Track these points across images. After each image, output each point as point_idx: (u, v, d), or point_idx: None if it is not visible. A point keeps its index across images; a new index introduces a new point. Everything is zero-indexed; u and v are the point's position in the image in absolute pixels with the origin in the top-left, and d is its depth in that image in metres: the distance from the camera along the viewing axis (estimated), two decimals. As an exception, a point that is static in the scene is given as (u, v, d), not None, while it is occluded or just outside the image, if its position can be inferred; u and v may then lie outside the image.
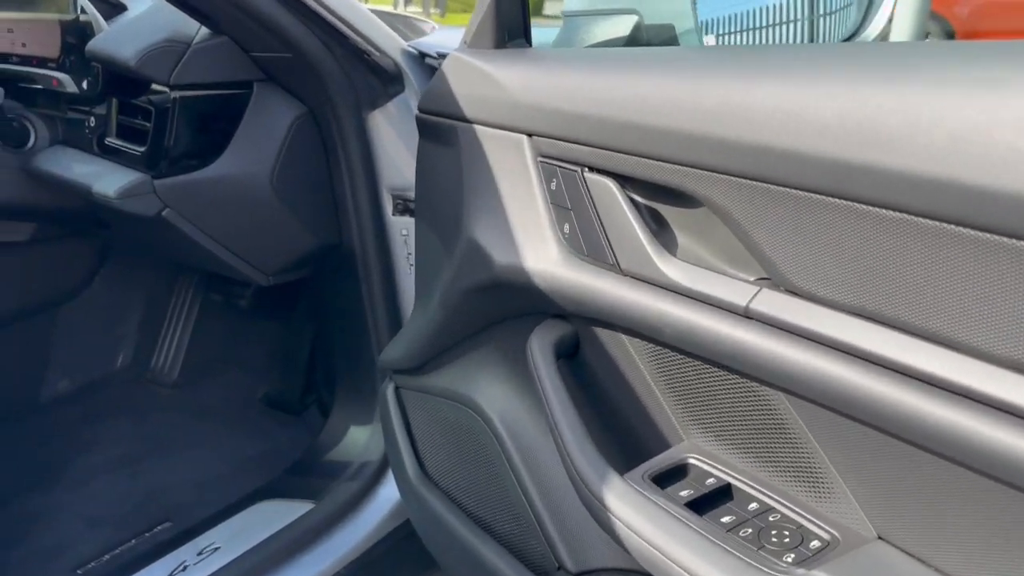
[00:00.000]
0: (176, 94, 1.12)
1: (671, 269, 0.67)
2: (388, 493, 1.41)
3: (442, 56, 1.16)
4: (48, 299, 1.77)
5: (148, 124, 1.18)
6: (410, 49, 1.32)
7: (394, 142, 1.30)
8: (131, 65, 1.07)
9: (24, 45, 1.32)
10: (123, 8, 1.34)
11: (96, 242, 1.80)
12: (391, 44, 1.24)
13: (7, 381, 1.74)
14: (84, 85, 1.21)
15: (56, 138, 1.31)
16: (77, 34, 1.22)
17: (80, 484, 1.54)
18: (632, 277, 0.70)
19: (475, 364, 0.99)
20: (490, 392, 0.97)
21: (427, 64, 1.23)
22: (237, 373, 1.93)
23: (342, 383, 1.50)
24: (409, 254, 1.37)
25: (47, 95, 1.32)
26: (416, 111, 1.27)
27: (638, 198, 0.71)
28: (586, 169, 0.75)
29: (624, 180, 0.71)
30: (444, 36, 1.38)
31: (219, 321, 1.98)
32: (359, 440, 1.45)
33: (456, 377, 1.01)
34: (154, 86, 1.18)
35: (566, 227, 0.77)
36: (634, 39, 0.92)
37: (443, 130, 0.95)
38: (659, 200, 0.71)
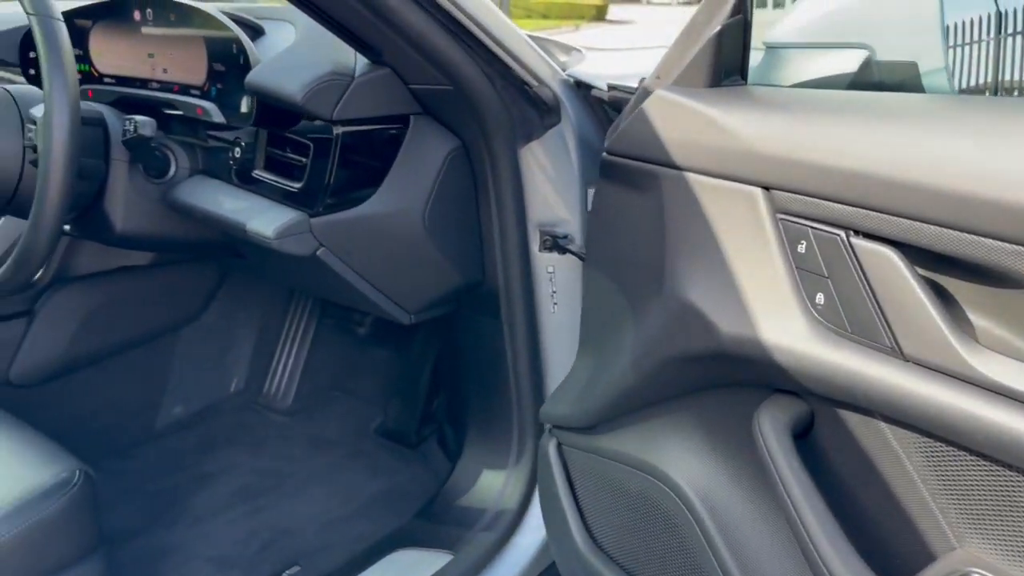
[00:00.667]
0: (339, 130, 1.06)
1: (983, 362, 0.56)
2: (525, 543, 1.33)
3: (616, 89, 1.07)
4: (167, 324, 1.74)
5: (302, 159, 1.12)
6: (568, 78, 1.24)
7: (546, 176, 1.22)
8: (297, 100, 1.01)
9: (166, 71, 1.28)
10: (261, 31, 1.29)
11: (215, 266, 1.76)
12: (550, 74, 1.16)
13: (125, 408, 1.72)
14: (233, 115, 1.16)
15: (195, 167, 1.26)
16: (225, 61, 1.17)
17: (202, 520, 1.50)
18: (920, 365, 0.60)
19: (665, 431, 0.89)
20: (684, 464, 0.87)
21: (593, 96, 1.15)
22: (350, 402, 1.88)
23: (474, 423, 1.42)
24: (554, 292, 1.29)
25: (187, 123, 1.28)
26: (571, 141, 1.21)
27: (927, 272, 0.61)
28: (852, 233, 0.65)
29: (909, 249, 0.61)
30: (600, 63, 1.29)
31: (332, 348, 1.93)
32: (494, 486, 1.38)
33: (638, 442, 0.93)
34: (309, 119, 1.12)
35: (819, 297, 0.68)
36: (863, 78, 0.82)
37: (639, 175, 0.86)
38: (953, 275, 0.61)
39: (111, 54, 1.35)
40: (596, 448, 0.98)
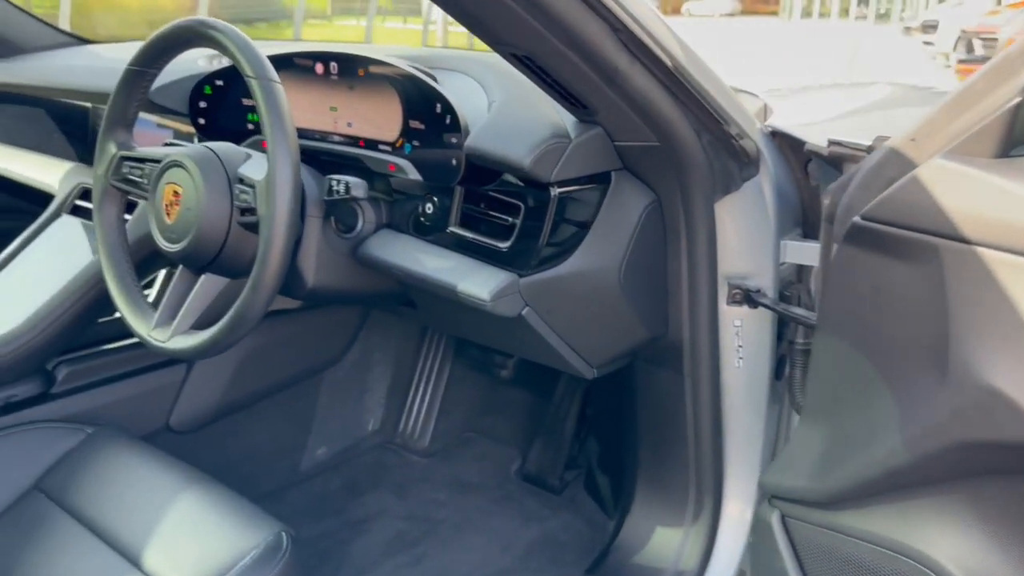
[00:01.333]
0: (556, 191, 1.04)
1: None
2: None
3: (840, 145, 1.04)
4: (314, 366, 1.75)
5: (507, 218, 1.11)
6: (766, 128, 1.21)
7: (739, 228, 1.20)
8: (525, 166, 1.00)
9: (350, 125, 1.28)
10: (432, 79, 1.28)
11: (358, 309, 1.77)
12: (751, 125, 1.14)
13: (273, 451, 1.72)
14: (432, 173, 1.15)
15: (380, 221, 1.26)
16: (424, 119, 1.16)
17: (365, 571, 1.49)
18: None
19: (932, 512, 0.85)
20: (955, 548, 0.83)
21: (785, 143, 1.13)
22: (486, 443, 1.87)
23: (644, 477, 1.39)
24: (740, 346, 1.26)
25: (372, 177, 1.27)
26: (768, 193, 1.18)
27: None
28: None
29: None
30: (794, 112, 1.26)
31: (466, 388, 1.92)
32: (670, 545, 1.34)
33: (896, 523, 0.89)
34: (508, 176, 1.11)
35: None
36: None
37: (910, 245, 0.82)
38: None
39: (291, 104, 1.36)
40: (836, 525, 0.94)
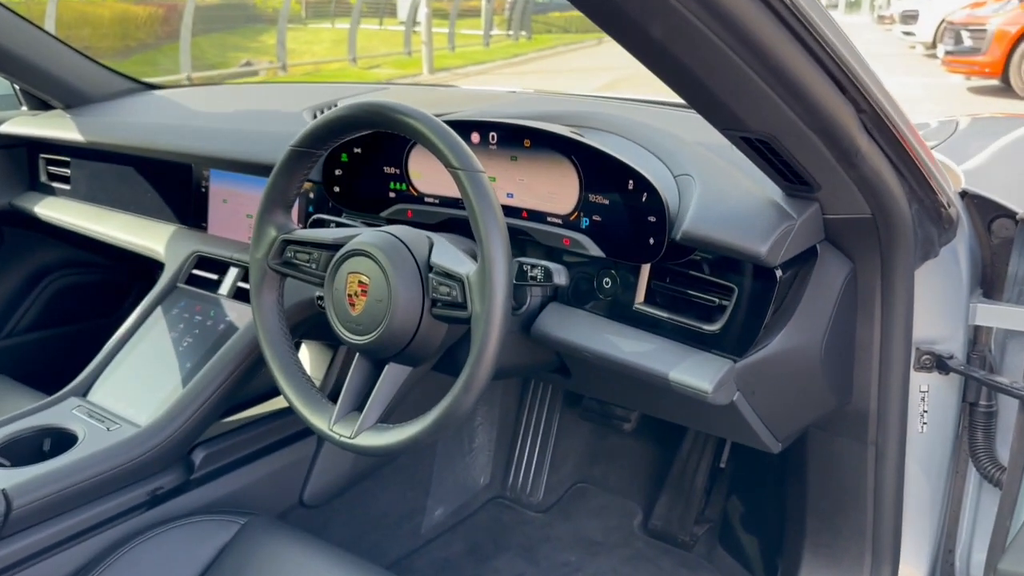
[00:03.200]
0: (780, 274, 1.00)
1: None
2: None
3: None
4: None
5: (713, 298, 1.06)
6: (960, 192, 1.19)
7: (932, 292, 1.17)
8: (761, 254, 0.96)
9: (511, 196, 1.23)
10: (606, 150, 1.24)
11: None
12: (951, 189, 1.11)
13: (395, 517, 1.67)
14: (617, 249, 1.11)
15: (546, 295, 1.21)
16: (610, 192, 1.12)
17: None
18: None
19: None
20: None
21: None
22: (602, 495, 1.82)
23: (814, 542, 1.36)
24: (924, 412, 1.23)
25: (526, 247, 1.23)
26: (963, 256, 1.15)
27: None
28: None
29: None
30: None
31: (576, 437, 1.87)
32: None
33: None
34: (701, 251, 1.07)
35: None
36: None
37: None
38: None
39: (434, 174, 1.31)
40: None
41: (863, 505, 1.27)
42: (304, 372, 1.16)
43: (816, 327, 1.09)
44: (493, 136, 1.24)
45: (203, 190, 1.62)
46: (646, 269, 1.13)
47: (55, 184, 1.97)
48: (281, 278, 1.19)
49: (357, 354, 1.12)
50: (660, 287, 1.12)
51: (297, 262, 1.16)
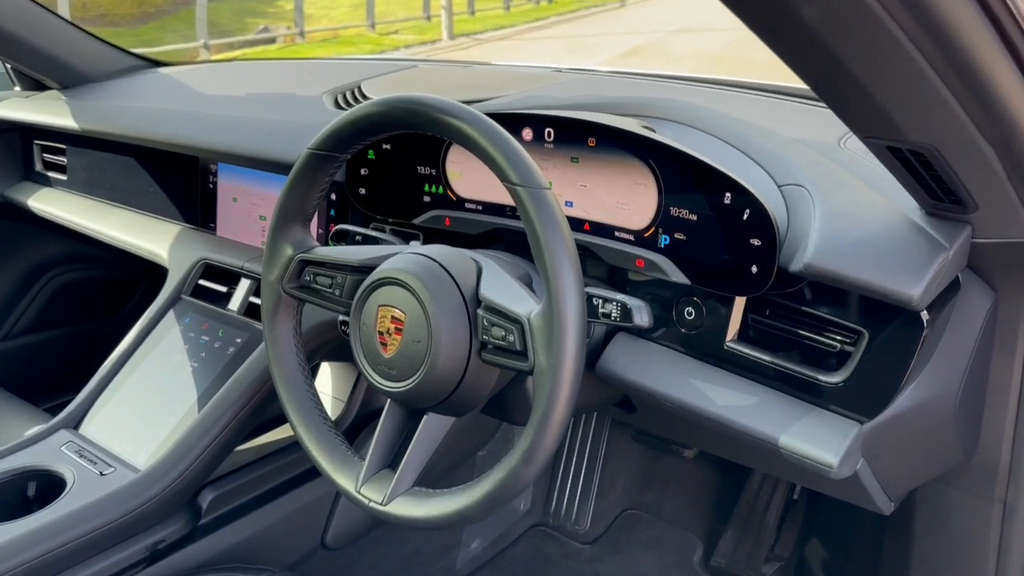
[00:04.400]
0: (927, 316, 0.80)
1: None
2: None
3: None
4: (467, 451, 1.52)
5: (834, 342, 0.86)
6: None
7: None
8: (914, 298, 0.75)
9: (569, 204, 1.03)
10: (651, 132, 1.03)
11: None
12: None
13: (430, 553, 1.50)
14: (704, 276, 0.91)
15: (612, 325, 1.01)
16: (699, 208, 0.91)
17: None
18: None
19: None
20: None
21: None
22: (657, 524, 1.64)
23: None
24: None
25: (596, 266, 1.03)
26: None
27: None
28: None
29: None
30: None
31: (626, 459, 1.69)
32: None
33: None
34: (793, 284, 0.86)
35: None
36: None
37: None
38: None
39: (476, 176, 1.11)
40: None
41: (983, 570, 1.07)
42: (325, 416, 0.98)
43: (953, 373, 0.89)
44: (549, 133, 1.03)
45: (211, 186, 1.43)
46: (741, 299, 0.93)
47: (51, 174, 1.78)
48: (299, 304, 1.00)
49: (389, 399, 0.93)
50: (759, 322, 0.92)
51: (317, 286, 0.97)
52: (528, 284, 0.95)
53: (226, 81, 1.74)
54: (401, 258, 0.89)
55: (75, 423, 1.22)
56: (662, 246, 0.95)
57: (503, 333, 0.81)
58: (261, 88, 1.63)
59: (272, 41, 11.93)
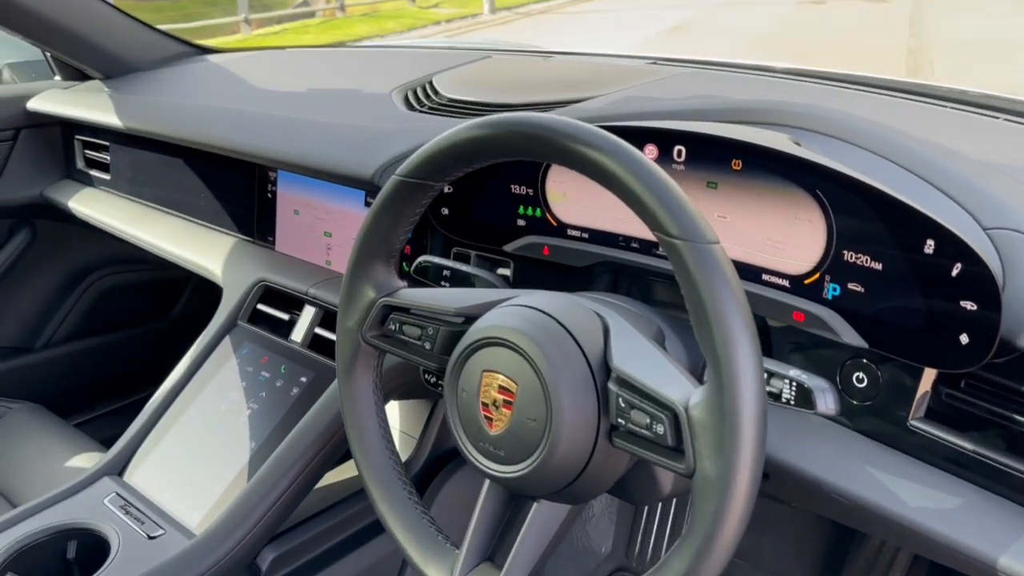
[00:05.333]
0: None
1: None
2: None
3: None
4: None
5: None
6: None
7: None
8: None
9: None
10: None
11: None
12: None
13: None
14: (898, 344, 0.73)
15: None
16: (879, 252, 0.74)
17: None
18: None
19: None
20: None
21: None
22: (752, 572, 1.47)
23: None
24: None
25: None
26: None
27: None
28: None
29: None
30: None
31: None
32: None
33: None
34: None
35: None
36: None
37: None
38: None
39: (583, 198, 0.94)
40: None
41: None
42: (411, 490, 0.82)
43: None
44: (680, 152, 0.86)
45: (269, 195, 1.28)
46: (931, 371, 0.75)
47: (93, 172, 1.65)
48: (380, 354, 0.84)
49: (489, 480, 0.77)
50: (953, 398, 0.74)
51: (404, 337, 0.81)
52: (660, 343, 0.79)
53: (282, 73, 1.58)
54: (509, 312, 0.72)
55: (120, 468, 1.09)
56: (829, 297, 0.78)
57: (647, 420, 0.64)
58: (322, 82, 1.47)
59: (312, 16, 11.80)
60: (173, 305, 1.93)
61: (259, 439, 1.03)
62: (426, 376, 1.00)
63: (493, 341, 0.71)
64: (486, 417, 0.71)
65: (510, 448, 0.70)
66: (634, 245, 0.92)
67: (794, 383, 0.69)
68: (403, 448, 1.28)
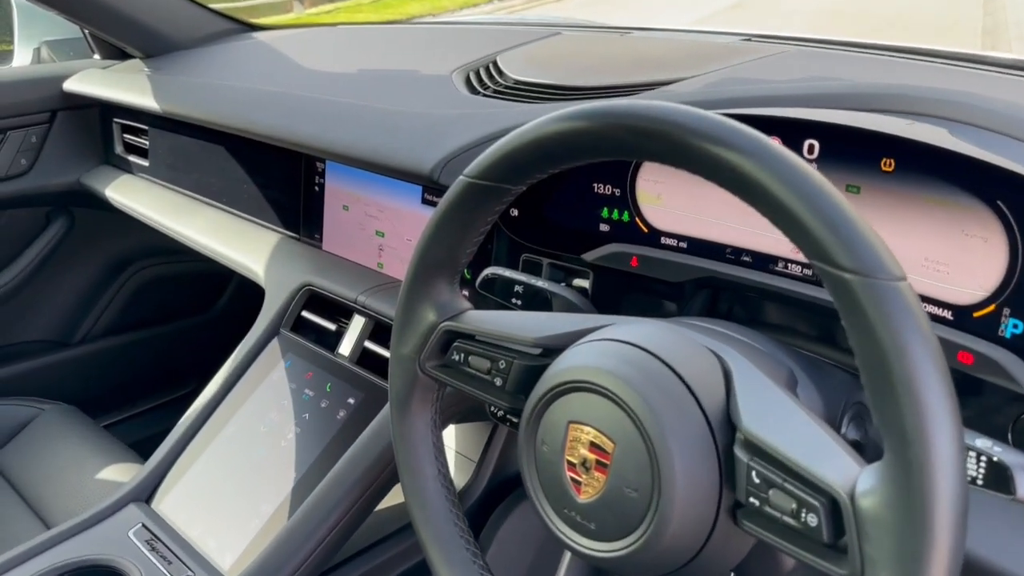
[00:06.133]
0: None
1: None
2: None
3: None
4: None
5: None
6: None
7: None
8: None
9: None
10: None
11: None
12: None
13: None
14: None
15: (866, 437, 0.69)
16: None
17: None
18: None
19: None
20: None
21: None
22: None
23: None
24: None
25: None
26: None
27: None
28: None
29: None
30: None
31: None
32: None
33: None
34: None
35: None
36: None
37: None
38: None
39: (683, 200, 0.79)
40: None
41: None
42: (475, 552, 0.69)
43: None
44: (811, 147, 0.70)
45: (317, 188, 1.15)
46: None
47: (132, 158, 1.54)
48: (440, 386, 0.71)
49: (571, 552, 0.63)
50: None
51: (471, 370, 0.67)
52: (793, 391, 0.63)
53: (332, 52, 1.45)
54: (603, 349, 0.58)
55: (148, 493, 0.98)
56: (1007, 335, 0.61)
57: (792, 506, 0.49)
58: (375, 62, 1.33)
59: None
60: (217, 299, 1.83)
61: (301, 469, 0.91)
62: (492, 409, 0.86)
63: (583, 385, 0.57)
64: (573, 480, 0.57)
65: (603, 522, 0.56)
66: (745, 259, 0.76)
67: (983, 457, 0.53)
68: (459, 472, 1.15)
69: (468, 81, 1.12)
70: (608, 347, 0.58)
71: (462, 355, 0.67)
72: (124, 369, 1.72)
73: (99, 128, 1.60)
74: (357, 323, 1.01)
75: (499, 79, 1.10)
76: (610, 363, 0.56)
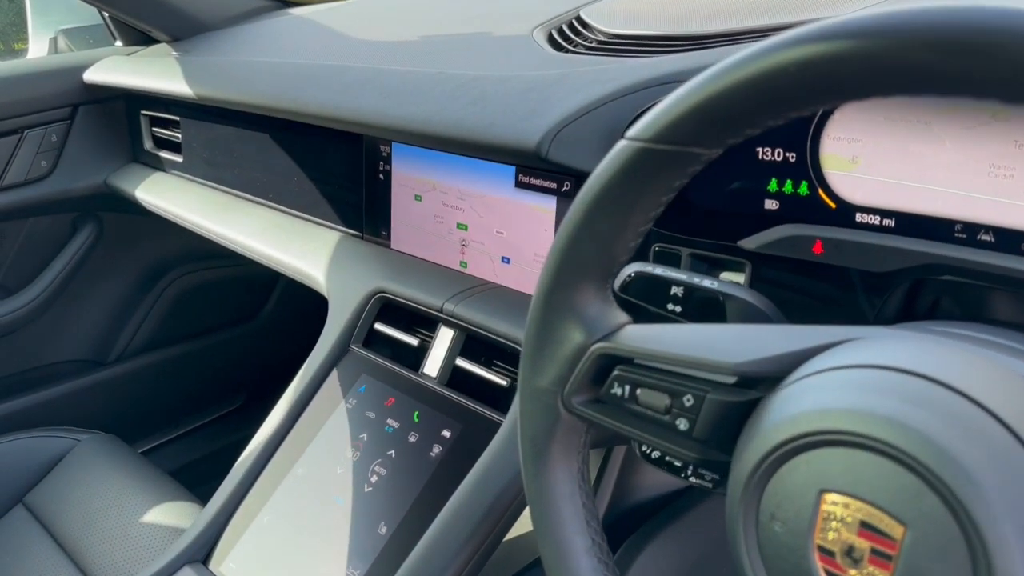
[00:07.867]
0: None
1: None
2: None
3: None
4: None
5: None
6: None
7: None
8: None
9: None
10: None
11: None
12: None
13: None
14: None
15: None
16: None
17: None
18: None
19: None
20: None
21: None
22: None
23: None
24: None
25: None
26: None
27: None
28: None
29: None
30: None
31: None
32: None
33: None
34: None
35: None
36: None
37: None
38: None
39: (895, 164, 0.59)
40: None
41: None
42: None
43: None
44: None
45: (382, 176, 0.97)
46: None
47: (163, 154, 1.38)
48: (588, 428, 0.52)
49: None
50: None
51: (640, 408, 0.48)
52: None
53: (388, 19, 1.27)
54: (865, 381, 0.39)
55: (204, 554, 0.81)
56: None
57: None
58: (440, 26, 1.15)
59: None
60: (263, 305, 1.67)
61: (392, 522, 0.74)
62: (644, 450, 0.67)
63: (844, 438, 0.38)
64: (828, 574, 0.39)
65: None
66: (984, 237, 0.57)
67: None
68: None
69: (551, 38, 0.94)
70: (874, 378, 0.39)
71: (625, 388, 0.48)
72: (165, 388, 1.56)
73: (125, 122, 1.43)
74: (444, 336, 0.83)
75: (587, 33, 0.92)
76: (889, 404, 0.37)
